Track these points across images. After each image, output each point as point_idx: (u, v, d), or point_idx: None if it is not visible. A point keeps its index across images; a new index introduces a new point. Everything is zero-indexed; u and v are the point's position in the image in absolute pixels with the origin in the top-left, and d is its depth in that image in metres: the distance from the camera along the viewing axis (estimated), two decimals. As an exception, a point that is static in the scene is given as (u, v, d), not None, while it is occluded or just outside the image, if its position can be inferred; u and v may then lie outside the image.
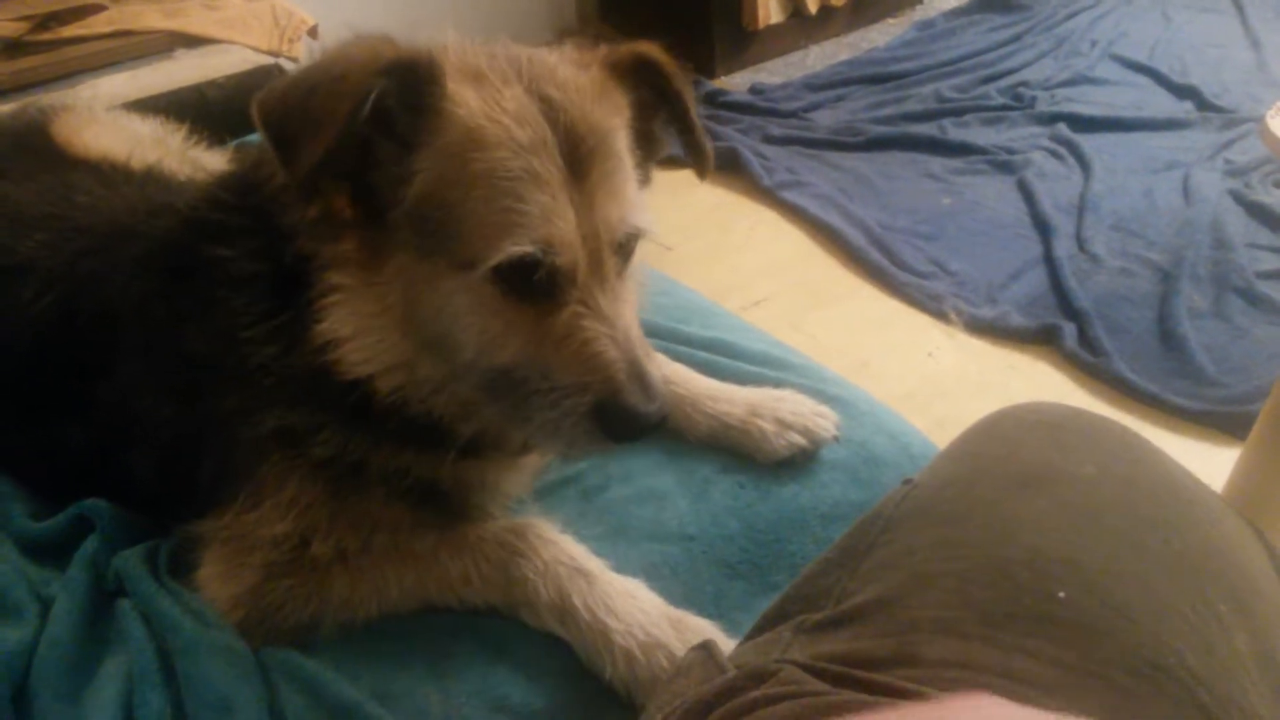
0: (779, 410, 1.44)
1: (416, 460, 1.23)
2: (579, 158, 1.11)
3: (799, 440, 1.41)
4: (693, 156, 1.29)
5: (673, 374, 1.48)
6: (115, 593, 1.29)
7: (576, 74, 1.17)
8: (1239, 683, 0.83)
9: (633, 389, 1.10)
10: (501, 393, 1.16)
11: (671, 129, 1.30)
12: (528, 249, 1.07)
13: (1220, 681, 0.81)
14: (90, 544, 1.34)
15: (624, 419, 1.11)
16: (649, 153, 1.30)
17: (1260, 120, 1.55)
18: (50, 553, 1.36)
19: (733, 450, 1.43)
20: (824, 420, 1.44)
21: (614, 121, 1.17)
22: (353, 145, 1.05)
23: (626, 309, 1.15)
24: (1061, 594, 0.84)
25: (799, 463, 1.42)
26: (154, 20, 3.01)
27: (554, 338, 1.11)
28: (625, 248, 1.18)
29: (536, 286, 1.11)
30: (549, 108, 1.11)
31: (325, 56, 1.10)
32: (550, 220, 1.08)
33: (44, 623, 1.22)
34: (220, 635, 1.17)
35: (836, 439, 1.43)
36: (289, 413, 1.20)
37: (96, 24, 2.96)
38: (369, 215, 1.11)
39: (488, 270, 1.08)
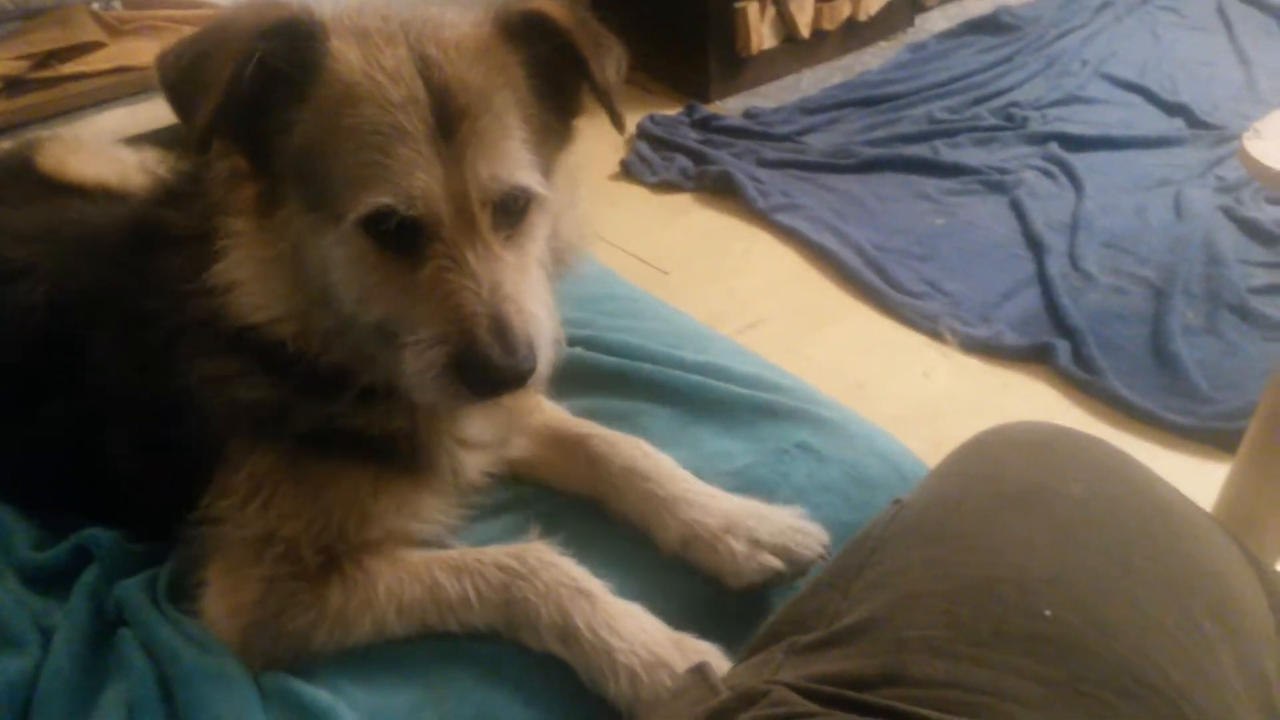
0: (756, 529, 1.30)
1: (339, 409, 1.26)
2: (450, 114, 1.13)
3: (773, 564, 1.28)
4: (609, 117, 1.29)
5: (651, 469, 1.39)
6: (116, 622, 1.30)
7: (462, 32, 1.20)
8: (1226, 699, 0.84)
9: (490, 342, 1.11)
10: (384, 345, 1.19)
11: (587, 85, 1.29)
12: (386, 200, 1.11)
13: (1207, 698, 0.82)
14: (90, 574, 1.35)
15: (480, 372, 1.12)
16: (566, 110, 1.31)
17: (1240, 139, 1.57)
18: (51, 582, 1.38)
19: (700, 566, 1.32)
20: (807, 538, 1.31)
21: (497, 80, 1.18)
22: (243, 102, 1.10)
23: (505, 268, 1.16)
24: (1048, 612, 0.85)
25: (773, 585, 1.29)
26: (153, 56, 3.04)
27: (420, 291, 1.14)
28: (509, 206, 1.19)
29: (403, 240, 1.14)
30: (425, 65, 1.14)
31: (218, 18, 1.18)
32: (410, 173, 1.11)
33: (46, 652, 1.23)
34: (219, 662, 1.18)
35: (823, 558, 1.29)
36: (221, 361, 1.25)
37: (96, 61, 2.99)
38: (264, 166, 1.18)
39: (354, 222, 1.12)
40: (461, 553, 1.28)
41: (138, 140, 2.37)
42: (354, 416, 1.28)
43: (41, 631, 1.28)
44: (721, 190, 3.92)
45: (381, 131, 1.11)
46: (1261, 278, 3.18)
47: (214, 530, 1.28)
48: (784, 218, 3.69)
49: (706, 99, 4.70)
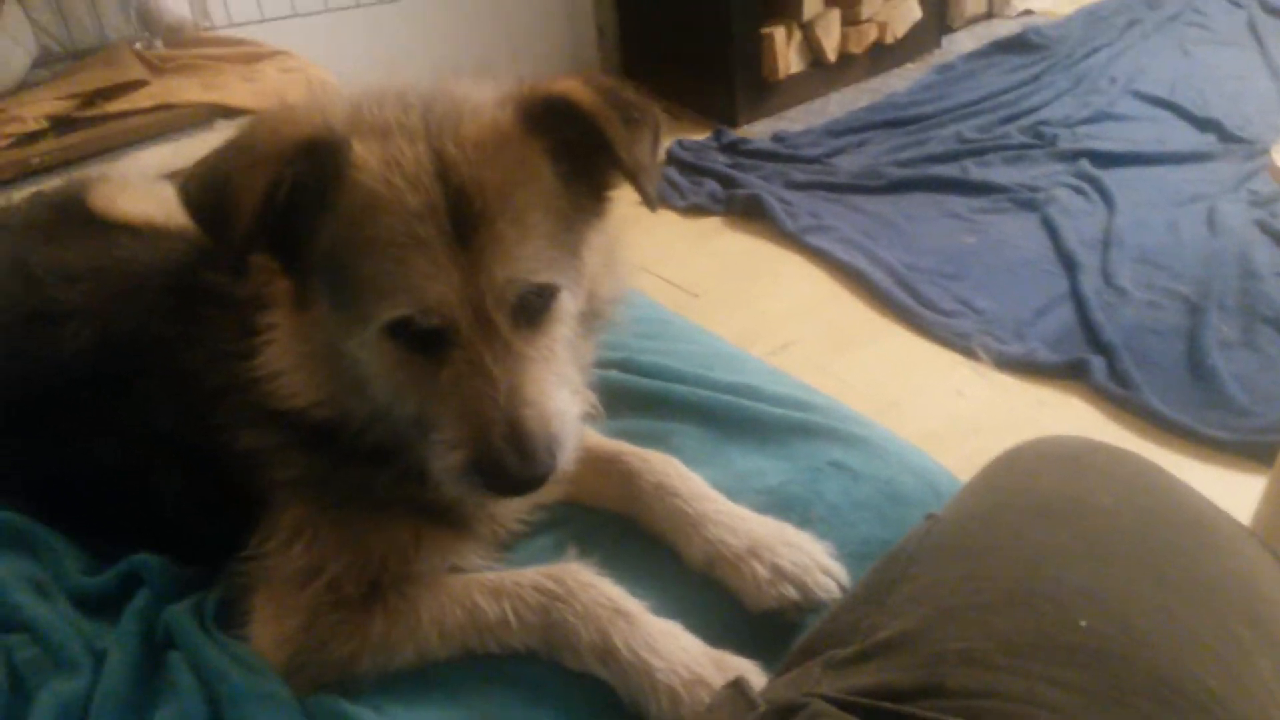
0: (780, 556, 1.31)
1: (374, 477, 1.29)
2: (467, 220, 1.13)
3: (791, 594, 1.28)
4: (640, 197, 1.27)
5: (682, 487, 1.41)
6: (165, 645, 1.33)
7: (483, 125, 1.18)
8: (1263, 707, 0.83)
9: (504, 449, 1.13)
10: (419, 435, 1.21)
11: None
12: (404, 311, 1.13)
13: (1244, 705, 0.82)
14: (140, 598, 1.38)
15: (495, 477, 1.15)
16: (599, 185, 1.30)
17: (1271, 153, 1.57)
18: (102, 607, 1.41)
19: (722, 584, 1.33)
20: (826, 579, 1.30)
21: (516, 175, 1.17)
22: (270, 216, 1.11)
23: (526, 368, 1.17)
24: (1084, 623, 0.85)
25: (787, 618, 1.29)
26: (194, 93, 3.13)
27: (442, 392, 1.16)
28: (529, 304, 1.19)
29: (428, 343, 1.16)
30: (444, 166, 1.14)
31: (236, 139, 1.18)
32: (428, 284, 1.12)
33: (98, 675, 1.26)
34: (267, 683, 1.20)
35: (837, 600, 1.28)
36: (261, 433, 1.28)
37: (139, 99, 3.08)
38: (294, 266, 1.21)
39: (378, 328, 1.16)
40: (500, 576, 1.30)
41: (180, 175, 2.44)
42: (392, 488, 1.30)
43: (93, 654, 1.31)
44: (751, 213, 3.94)
45: (399, 242, 1.12)
46: (1298, 291, 3.15)
47: (259, 564, 1.30)
48: (814, 239, 3.71)
49: (734, 123, 4.74)
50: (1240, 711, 0.81)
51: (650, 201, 1.25)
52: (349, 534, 1.28)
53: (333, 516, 1.29)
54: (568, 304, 1.25)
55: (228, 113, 3.09)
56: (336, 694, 1.21)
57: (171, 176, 2.40)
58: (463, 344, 1.15)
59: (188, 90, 3.15)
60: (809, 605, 1.29)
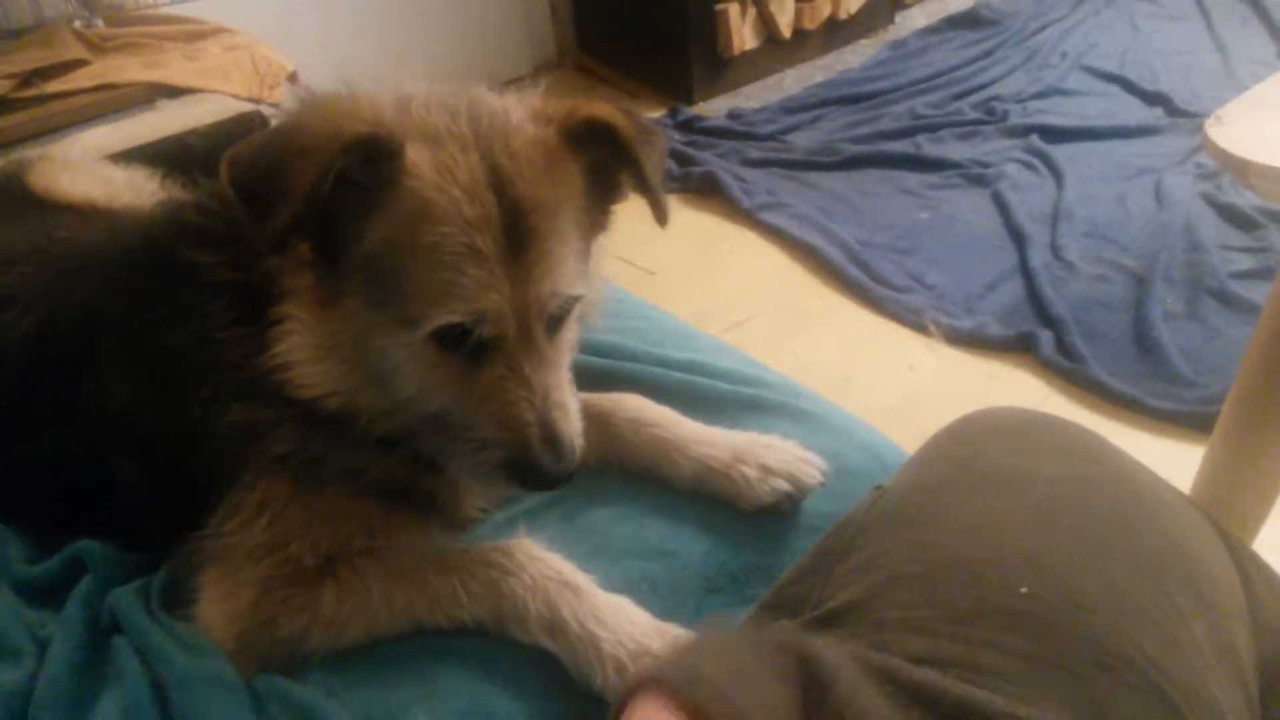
0: (764, 456, 1.41)
1: (371, 461, 1.30)
2: (520, 234, 1.17)
3: (783, 487, 1.39)
4: (653, 212, 1.33)
5: (657, 417, 1.49)
6: (110, 630, 1.31)
7: (531, 140, 1.22)
8: (1198, 671, 0.86)
9: (542, 450, 1.20)
10: (435, 430, 1.26)
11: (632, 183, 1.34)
12: (460, 319, 1.17)
13: (1180, 670, 0.84)
14: (85, 584, 1.36)
15: (532, 475, 1.22)
16: (609, 198, 1.35)
17: (1204, 127, 1.59)
18: (46, 594, 1.38)
19: (716, 495, 1.42)
20: (809, 467, 1.41)
21: (561, 193, 1.23)
22: (317, 207, 1.11)
23: (552, 371, 1.24)
24: (1025, 590, 0.87)
25: (783, 510, 1.40)
26: (135, 72, 3.05)
27: (479, 394, 1.21)
28: (558, 314, 1.25)
29: (470, 348, 1.20)
30: (498, 179, 1.17)
31: (293, 122, 1.20)
32: (484, 294, 1.16)
33: (41, 663, 1.24)
34: (213, 665, 1.19)
35: (823, 485, 1.40)
36: (253, 406, 1.27)
37: (79, 78, 2.99)
38: (326, 259, 1.20)
39: (426, 332, 1.18)
40: (449, 551, 1.30)
41: (122, 156, 2.39)
42: (385, 472, 1.32)
43: (37, 643, 1.29)
44: (706, 191, 3.94)
45: (456, 251, 1.15)
46: (1242, 262, 3.20)
47: (214, 542, 1.29)
48: (769, 216, 3.72)
49: (690, 101, 4.72)
50: (1176, 674, 0.83)
51: (663, 215, 1.31)
52: (317, 513, 1.29)
53: (300, 496, 1.29)
54: (576, 313, 1.32)
55: (171, 92, 3.01)
56: (284, 675, 1.20)
57: (114, 157, 2.36)
58: (506, 351, 1.20)
59: (129, 69, 3.07)
60: (801, 494, 1.40)
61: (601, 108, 1.28)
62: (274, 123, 2.73)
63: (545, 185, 1.20)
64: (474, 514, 1.46)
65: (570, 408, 1.25)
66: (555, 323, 1.26)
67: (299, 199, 1.08)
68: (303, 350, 1.24)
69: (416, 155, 1.16)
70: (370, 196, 1.16)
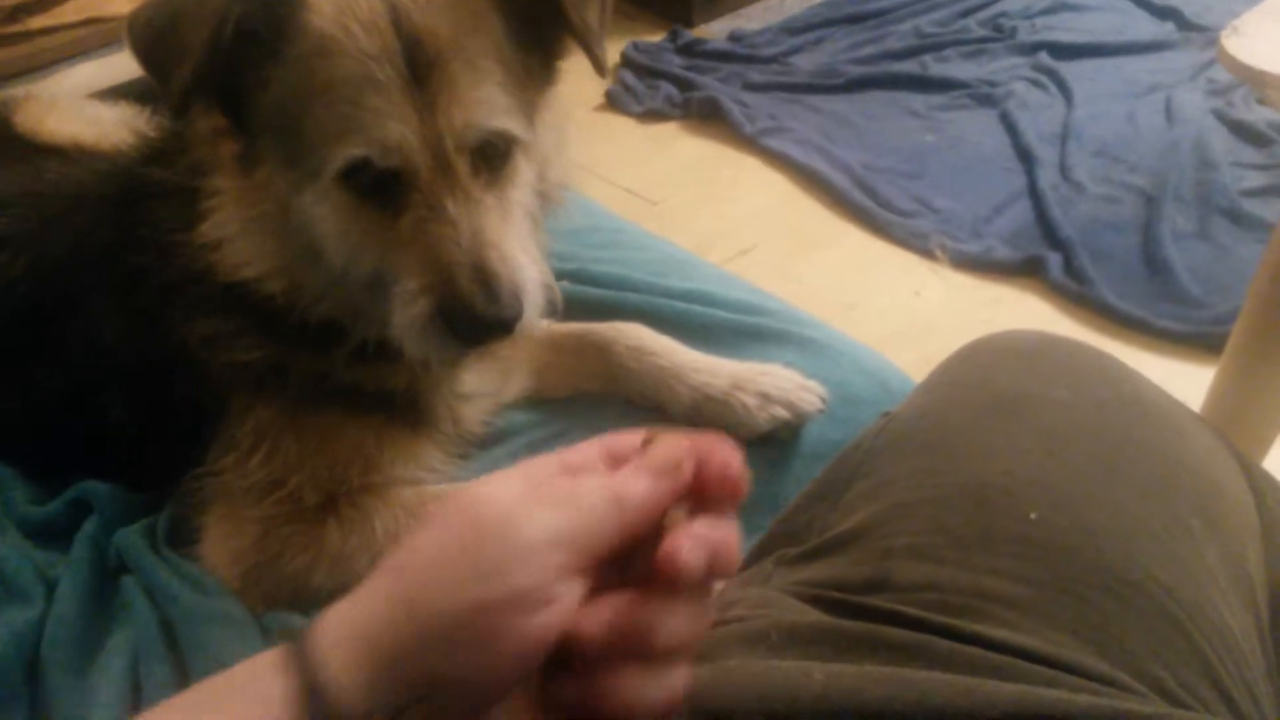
0: (762, 384, 1.40)
1: (335, 363, 1.28)
2: (422, 63, 1.10)
3: (782, 414, 1.37)
4: (590, 60, 1.26)
5: (655, 345, 1.47)
6: (118, 569, 1.32)
7: None
8: (1209, 595, 0.85)
9: (473, 290, 1.11)
10: (377, 298, 1.19)
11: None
12: (359, 152, 1.09)
13: (1190, 594, 0.83)
14: (91, 524, 1.36)
15: (465, 320, 1.12)
16: (548, 53, 1.29)
17: (1220, 40, 1.54)
18: (53, 535, 1.39)
19: (714, 424, 1.40)
20: (809, 394, 1.40)
21: (468, 25, 1.15)
22: (219, 63, 1.08)
23: (487, 214, 1.15)
24: (1034, 515, 0.86)
25: (782, 437, 1.39)
26: (122, 6, 2.98)
27: (401, 242, 1.13)
28: (489, 152, 1.17)
29: (383, 191, 1.13)
30: (397, 15, 1.11)
31: None
32: (384, 123, 1.09)
33: (50, 604, 1.25)
34: (221, 603, 1.19)
35: (822, 412, 1.40)
36: (214, 318, 1.26)
37: (64, 13, 2.93)
38: (242, 124, 1.17)
39: (333, 176, 1.12)
40: (453, 486, 1.30)
41: (111, 94, 2.34)
42: (350, 373, 1.29)
43: (46, 584, 1.30)
44: (708, 116, 3.86)
45: (354, 83, 1.09)
46: (1253, 180, 3.15)
47: (215, 480, 1.29)
48: (772, 141, 3.65)
49: (690, 23, 4.61)
50: (1187, 599, 0.82)
51: (600, 66, 1.24)
52: (310, 441, 1.27)
53: (292, 421, 1.27)
54: (524, 166, 1.24)
55: (159, 23, 2.95)
56: (291, 610, 1.21)
57: (102, 94, 2.32)
58: (421, 188, 1.12)
59: (116, 4, 3.00)
60: (799, 421, 1.39)
61: None
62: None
63: (448, 17, 1.13)
64: (470, 431, 1.44)
65: (512, 251, 1.16)
66: (488, 163, 1.17)
67: (198, 52, 1.04)
68: (231, 224, 1.21)
69: None
70: (271, 45, 1.11)
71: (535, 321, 1.20)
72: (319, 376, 1.28)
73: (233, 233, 1.21)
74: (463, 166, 1.14)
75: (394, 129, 1.09)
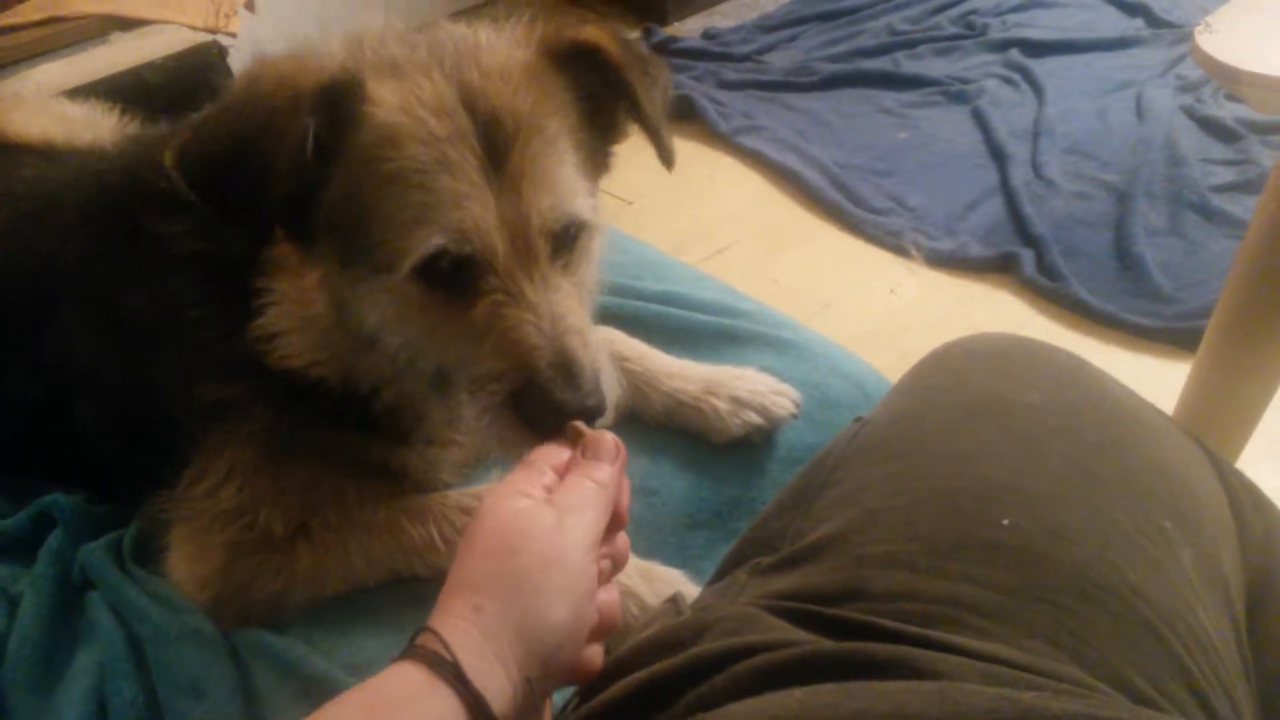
0: (735, 388, 1.39)
1: (347, 441, 1.25)
2: (500, 143, 1.05)
3: (754, 419, 1.37)
4: (656, 151, 1.23)
5: (629, 351, 1.45)
6: (83, 586, 1.29)
7: (505, 57, 1.11)
8: (1184, 598, 0.84)
9: (553, 375, 1.02)
10: (443, 390, 1.15)
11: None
12: (437, 241, 1.03)
13: (1165, 597, 0.83)
14: (55, 538, 1.33)
15: (542, 406, 1.02)
16: (608, 138, 1.25)
17: (1193, 36, 1.54)
18: (14, 550, 1.36)
19: (687, 429, 1.40)
20: (782, 398, 1.39)
21: (545, 105, 1.10)
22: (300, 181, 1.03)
23: (563, 299, 1.08)
24: (1006, 521, 0.85)
25: (755, 441, 1.38)
26: (85, 4, 2.93)
27: (477, 330, 1.06)
28: (563, 237, 1.11)
29: (458, 280, 1.06)
30: (468, 94, 1.06)
31: (235, 100, 1.06)
32: (462, 206, 1.03)
33: (13, 620, 1.22)
34: (189, 619, 1.17)
35: (795, 417, 1.39)
36: (226, 386, 1.22)
37: (26, 11, 2.88)
38: (296, 224, 1.10)
39: (408, 271, 1.05)
40: (424, 499, 1.28)
41: (77, 92, 2.30)
42: (359, 452, 1.26)
43: (8, 599, 1.27)
44: (682, 115, 3.85)
45: (426, 169, 1.03)
46: (1223, 175, 3.18)
47: (185, 502, 1.25)
48: (746, 140, 3.65)
49: (664, 21, 4.60)
50: (1161, 602, 0.82)
51: (667, 156, 1.23)
52: (289, 484, 1.23)
53: (272, 462, 1.23)
54: (593, 246, 1.19)
55: (124, 24, 2.91)
56: (263, 628, 1.19)
57: (69, 94, 2.28)
58: (499, 272, 1.05)
59: (79, 1, 2.96)
60: (772, 425, 1.39)
61: (589, 30, 1.17)
62: (233, 54, 2.65)
63: (524, 97, 1.08)
64: (449, 479, 1.40)
65: (594, 343, 1.08)
66: (561, 249, 1.11)
67: (285, 175, 0.98)
68: (286, 321, 1.16)
69: (379, 86, 1.05)
70: (332, 141, 1.05)
71: (611, 410, 1.09)
72: (324, 444, 1.24)
73: (288, 327, 1.17)
74: (544, 250, 1.08)
75: (473, 212, 1.03)
